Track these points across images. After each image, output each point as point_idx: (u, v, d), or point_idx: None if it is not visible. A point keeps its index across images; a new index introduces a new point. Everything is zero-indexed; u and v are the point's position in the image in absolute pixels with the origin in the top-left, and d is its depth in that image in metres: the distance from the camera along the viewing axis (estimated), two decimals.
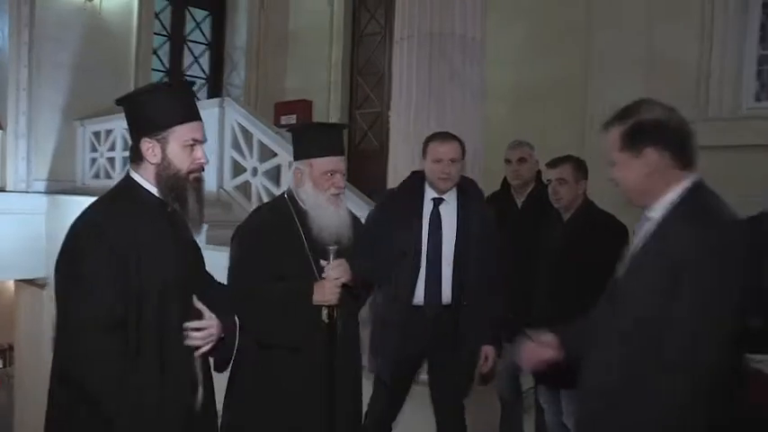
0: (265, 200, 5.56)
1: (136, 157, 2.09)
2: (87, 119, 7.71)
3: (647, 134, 1.87)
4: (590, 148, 6.27)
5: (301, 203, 2.67)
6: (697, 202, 1.83)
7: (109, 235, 1.93)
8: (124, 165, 7.18)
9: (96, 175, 7.66)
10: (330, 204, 2.63)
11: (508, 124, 6.43)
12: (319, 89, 9.29)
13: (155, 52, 8.93)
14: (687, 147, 1.88)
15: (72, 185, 7.75)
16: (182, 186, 2.08)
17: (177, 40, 9.36)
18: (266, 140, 5.88)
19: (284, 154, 5.61)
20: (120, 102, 2.15)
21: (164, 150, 2.04)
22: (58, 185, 7.64)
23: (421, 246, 3.17)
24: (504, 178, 4.08)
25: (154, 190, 2.07)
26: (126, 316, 1.92)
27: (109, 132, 7.47)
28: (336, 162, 2.64)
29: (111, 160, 7.41)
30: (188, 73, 9.52)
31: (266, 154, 5.94)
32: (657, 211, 1.89)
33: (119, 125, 7.25)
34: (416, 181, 3.27)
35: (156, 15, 8.95)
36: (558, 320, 3.26)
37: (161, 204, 2.07)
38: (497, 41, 6.81)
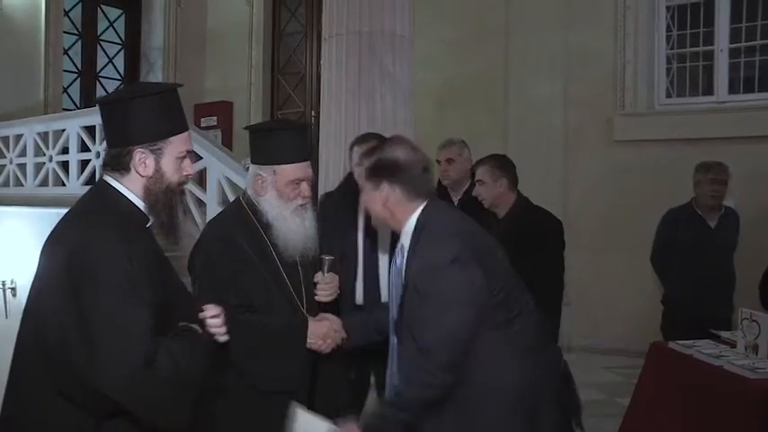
0: (191, 205, 5.40)
1: (119, 167, 1.87)
2: None
3: (385, 170, 2.16)
4: (513, 145, 6.45)
5: (263, 213, 2.41)
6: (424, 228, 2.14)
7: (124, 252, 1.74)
8: (37, 172, 6.81)
9: (5, 184, 7.22)
10: (296, 216, 2.39)
11: (433, 124, 6.50)
12: (240, 90, 9.12)
13: (66, 52, 8.51)
14: (416, 182, 2.17)
15: None
16: (172, 199, 1.90)
17: (89, 39, 8.95)
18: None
19: (209, 157, 5.46)
20: (103, 104, 1.95)
21: (158, 162, 1.86)
22: None
23: (357, 247, 3.17)
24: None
25: (137, 201, 1.88)
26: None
27: (19, 137, 7.06)
28: (304, 169, 2.39)
29: (23, 167, 7.02)
30: (102, 74, 9.13)
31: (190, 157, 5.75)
32: (405, 237, 2.19)
33: (29, 130, 6.87)
34: (353, 184, 3.25)
35: (66, 13, 8.54)
36: None
37: (143, 218, 1.89)
38: (421, 42, 6.88)
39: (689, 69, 6.53)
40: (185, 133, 1.93)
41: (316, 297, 2.49)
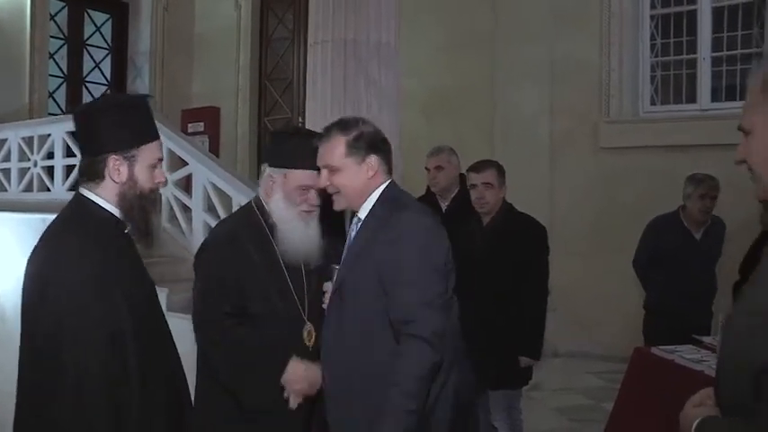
0: (177, 212, 5.37)
1: (93, 175, 1.94)
2: None
3: (372, 143, 2.18)
4: (499, 153, 6.48)
5: (270, 214, 2.45)
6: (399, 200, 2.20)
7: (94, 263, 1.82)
8: (21, 177, 6.76)
9: None
10: (300, 221, 2.40)
11: (420, 132, 6.53)
12: (227, 95, 9.10)
13: (51, 56, 8.45)
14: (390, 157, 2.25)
15: None
16: (145, 206, 1.97)
17: (75, 43, 8.89)
18: (176, 149, 5.67)
19: (195, 163, 5.44)
20: (77, 114, 2.01)
21: (131, 169, 1.93)
22: None
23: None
24: None
25: (112, 209, 1.95)
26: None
27: (3, 142, 7.00)
28: (314, 177, 2.37)
29: (6, 172, 6.96)
30: (89, 79, 9.07)
31: (176, 163, 5.73)
32: (363, 211, 2.20)
33: (13, 134, 6.81)
34: None
35: (52, 17, 8.48)
36: (480, 322, 3.35)
37: (118, 224, 1.96)
38: (408, 50, 6.90)
39: (673, 77, 6.60)
40: (157, 142, 2.02)
41: (323, 305, 2.45)
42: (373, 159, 2.15)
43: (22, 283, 1.89)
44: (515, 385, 3.48)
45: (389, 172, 2.22)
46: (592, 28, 6.62)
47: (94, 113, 1.98)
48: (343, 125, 2.20)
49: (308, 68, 4.34)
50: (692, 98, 6.47)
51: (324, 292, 2.44)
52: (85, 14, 9.01)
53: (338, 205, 2.25)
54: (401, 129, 4.72)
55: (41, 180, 6.54)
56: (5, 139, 6.96)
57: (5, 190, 6.94)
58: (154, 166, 1.99)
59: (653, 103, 6.63)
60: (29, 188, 6.65)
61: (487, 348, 3.34)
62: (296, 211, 2.40)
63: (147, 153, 1.96)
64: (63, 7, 8.72)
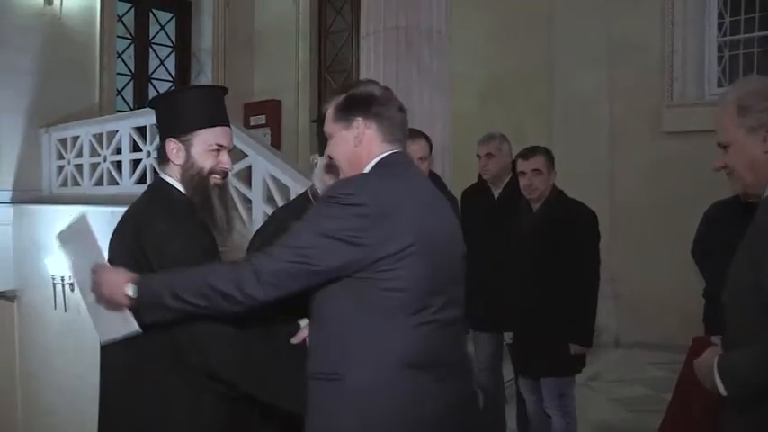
0: (238, 203, 5.51)
1: (163, 158, 2.11)
2: (52, 126, 7.56)
3: (359, 104, 1.88)
4: (558, 138, 6.38)
5: None
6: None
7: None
8: (92, 172, 7.07)
9: (64, 184, 7.52)
10: None
11: (477, 118, 6.48)
12: (287, 88, 9.25)
13: (119, 56, 8.79)
14: (392, 121, 1.90)
15: (39, 195, 7.59)
16: (204, 186, 2.06)
17: (142, 42, 9.22)
18: (236, 141, 5.82)
19: (254, 155, 5.56)
20: (151, 102, 2.18)
21: (188, 151, 2.05)
22: (24, 195, 7.47)
23: None
24: None
25: (182, 189, 2.08)
26: None
27: (75, 139, 7.34)
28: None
29: (79, 167, 7.28)
30: (154, 76, 9.40)
31: (236, 155, 5.88)
32: None
33: (85, 131, 7.13)
34: None
35: (120, 18, 8.81)
36: (530, 309, 3.33)
37: (191, 204, 2.07)
38: (463, 36, 6.86)
39: (742, 57, 6.33)
40: (219, 128, 2.10)
41: None
42: (360, 122, 1.85)
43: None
44: (567, 372, 3.43)
45: (396, 141, 1.89)
46: (653, 5, 6.40)
47: (160, 100, 2.15)
48: (341, 89, 1.97)
49: (361, 59, 4.39)
50: None
51: None
52: (151, 14, 9.32)
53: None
54: (456, 115, 4.71)
55: (111, 174, 6.82)
56: (78, 137, 7.29)
57: (79, 185, 7.27)
58: (215, 151, 2.07)
59: (720, 86, 6.37)
60: (99, 182, 6.95)
61: (538, 335, 3.32)
62: None
63: (203, 137, 2.06)
64: (130, 8, 9.05)
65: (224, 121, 2.12)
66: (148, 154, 6.21)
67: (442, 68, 4.20)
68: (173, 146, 2.06)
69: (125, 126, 6.63)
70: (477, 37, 6.94)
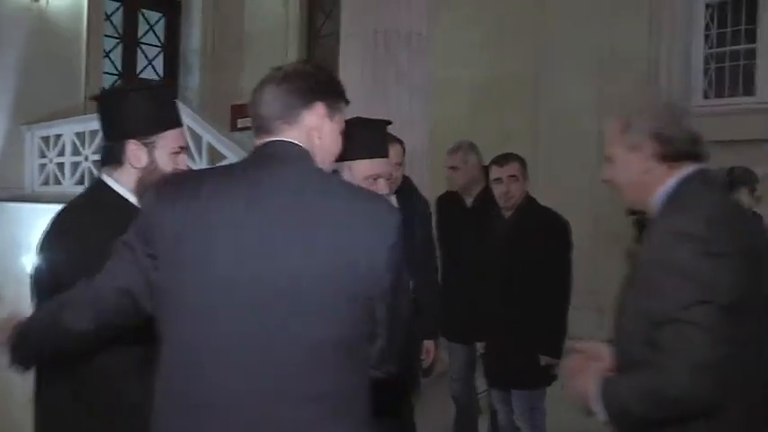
0: None
1: (113, 160, 1.95)
2: (35, 123, 7.48)
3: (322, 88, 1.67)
4: (544, 145, 6.35)
5: None
6: None
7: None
8: (74, 171, 6.99)
9: (46, 182, 7.45)
10: None
11: (466, 123, 6.44)
12: None
13: (107, 55, 8.74)
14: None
15: (20, 192, 7.51)
16: None
17: (130, 42, 9.18)
18: (217, 144, 5.77)
19: (234, 159, 5.50)
20: (100, 99, 2.03)
21: (151, 155, 1.94)
22: (6, 192, 7.40)
23: None
24: None
25: (130, 197, 1.94)
26: None
27: (58, 137, 7.27)
28: (381, 165, 2.29)
29: (61, 166, 7.21)
30: (142, 76, 9.34)
31: (217, 158, 5.82)
32: None
33: (68, 129, 7.06)
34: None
35: (108, 17, 8.77)
36: (501, 320, 3.28)
37: (135, 211, 1.89)
38: (453, 41, 6.83)
39: (728, 69, 6.30)
40: (178, 130, 2.01)
41: None
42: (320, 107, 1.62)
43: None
44: (537, 385, 3.38)
45: None
46: (641, 14, 6.36)
47: (117, 99, 2.00)
48: None
49: (340, 61, 4.34)
50: (748, 91, 6.16)
51: None
52: (139, 14, 9.28)
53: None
54: (445, 120, 4.66)
55: (92, 174, 6.74)
56: (60, 135, 7.22)
57: (60, 183, 7.20)
58: (176, 154, 1.98)
59: (706, 97, 6.35)
60: (80, 182, 6.87)
61: (508, 346, 3.27)
62: None
63: (167, 140, 1.96)
64: (118, 7, 9.00)
65: (181, 122, 2.05)
66: None
67: (421, 72, 4.15)
68: (134, 148, 1.92)
69: None
70: (465, 42, 6.91)
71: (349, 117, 3.46)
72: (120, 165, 1.94)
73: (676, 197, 1.71)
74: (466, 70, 6.92)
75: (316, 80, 1.63)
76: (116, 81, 8.98)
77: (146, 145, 1.93)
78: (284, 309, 1.35)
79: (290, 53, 9.14)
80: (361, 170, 2.25)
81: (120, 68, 9.06)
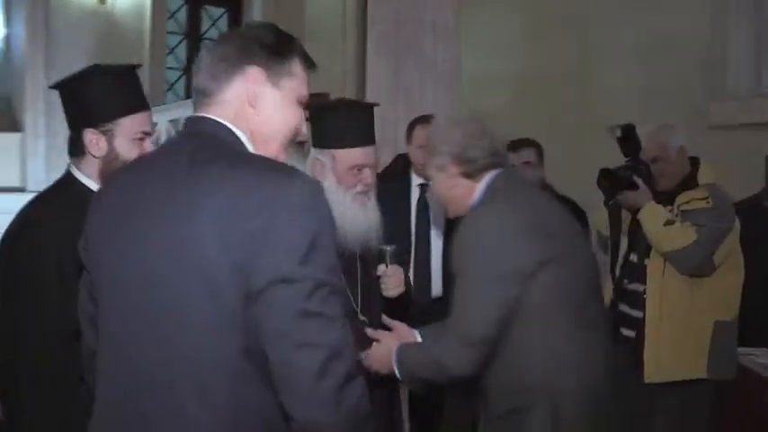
0: None
1: (76, 151, 1.91)
2: None
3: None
4: (591, 136, 6.07)
5: None
6: None
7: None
8: None
9: None
10: (357, 204, 2.13)
11: (508, 116, 6.25)
12: (335, 81, 9.23)
13: (171, 51, 9.03)
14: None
15: None
16: None
17: (193, 38, 9.44)
18: None
19: None
20: (56, 87, 1.95)
21: (110, 143, 1.87)
22: None
23: (410, 234, 3.07)
24: None
25: (93, 185, 1.88)
26: None
27: None
28: (366, 154, 2.13)
29: None
30: None
31: None
32: None
33: None
34: (401, 166, 3.16)
35: (172, 15, 9.05)
36: None
37: None
38: (494, 32, 6.64)
39: None
40: (142, 113, 1.92)
41: (384, 293, 2.27)
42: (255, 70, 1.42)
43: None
44: None
45: None
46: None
47: (74, 85, 1.92)
48: None
49: (368, 51, 4.31)
50: None
51: (379, 277, 2.25)
52: (203, 11, 9.54)
53: None
54: (487, 113, 4.54)
55: None
56: None
57: None
58: (140, 140, 1.90)
59: None
60: None
61: None
62: (351, 194, 2.12)
63: (127, 126, 1.88)
64: (182, 5, 9.29)
65: (146, 106, 1.96)
66: None
67: (448, 61, 4.06)
68: (91, 137, 1.87)
69: (163, 119, 6.78)
70: (509, 33, 6.69)
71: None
72: (83, 155, 1.90)
73: (483, 201, 2.02)
74: (507, 62, 6.71)
75: (253, 41, 1.39)
76: (179, 77, 9.27)
77: (104, 133, 1.87)
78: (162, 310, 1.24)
79: (349, 44, 9.14)
80: (347, 159, 2.10)
81: (184, 64, 9.35)
